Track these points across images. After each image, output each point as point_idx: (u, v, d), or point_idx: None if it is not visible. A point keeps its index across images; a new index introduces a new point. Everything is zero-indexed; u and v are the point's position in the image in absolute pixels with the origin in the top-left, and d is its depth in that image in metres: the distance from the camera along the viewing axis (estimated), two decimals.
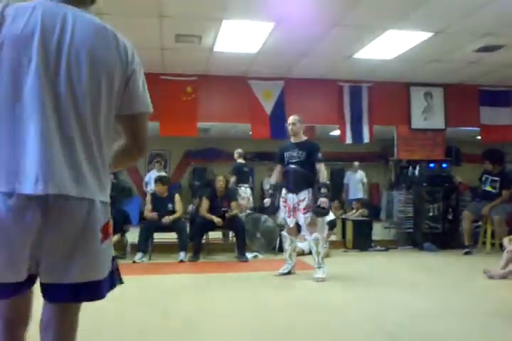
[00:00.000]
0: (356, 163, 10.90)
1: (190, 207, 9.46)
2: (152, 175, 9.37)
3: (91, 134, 1.42)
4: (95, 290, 1.47)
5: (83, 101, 1.40)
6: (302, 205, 4.99)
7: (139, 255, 6.36)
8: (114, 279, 1.55)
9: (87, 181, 1.39)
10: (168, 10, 5.26)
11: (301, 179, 5.04)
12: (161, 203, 6.71)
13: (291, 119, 5.29)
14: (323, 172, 5.05)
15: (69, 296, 1.44)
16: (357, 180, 10.71)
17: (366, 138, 8.20)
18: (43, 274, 1.41)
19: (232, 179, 7.85)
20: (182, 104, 7.56)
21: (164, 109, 7.47)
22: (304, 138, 5.30)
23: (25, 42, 1.35)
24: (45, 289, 1.43)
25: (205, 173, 13.67)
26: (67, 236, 1.37)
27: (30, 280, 1.43)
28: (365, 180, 10.80)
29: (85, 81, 1.40)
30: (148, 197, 6.96)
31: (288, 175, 5.15)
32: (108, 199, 1.49)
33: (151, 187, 8.80)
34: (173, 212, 6.64)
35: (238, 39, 6.19)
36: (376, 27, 5.85)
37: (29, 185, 1.30)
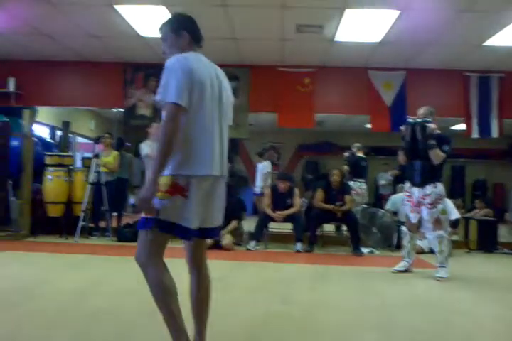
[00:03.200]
0: None
1: (302, 201, 9.46)
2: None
3: (227, 137, 2.29)
4: (218, 232, 2.47)
5: (228, 115, 2.30)
6: (428, 200, 4.75)
7: (252, 243, 6.57)
8: None
9: (226, 165, 2.26)
10: (291, 0, 5.26)
11: (429, 172, 4.79)
12: (279, 198, 6.77)
13: (422, 113, 4.98)
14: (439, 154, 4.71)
15: (209, 234, 2.31)
16: None
17: (495, 133, 7.64)
18: (203, 222, 2.20)
19: (345, 167, 7.76)
20: (299, 96, 7.54)
21: (282, 100, 7.54)
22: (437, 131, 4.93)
23: (204, 84, 2.13)
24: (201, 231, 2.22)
25: (318, 167, 13.66)
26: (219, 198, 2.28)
27: None
28: None
29: (229, 103, 2.31)
30: (268, 192, 7.02)
31: (414, 168, 4.90)
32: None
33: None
34: (291, 206, 6.69)
35: (361, 28, 6.03)
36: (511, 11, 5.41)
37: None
